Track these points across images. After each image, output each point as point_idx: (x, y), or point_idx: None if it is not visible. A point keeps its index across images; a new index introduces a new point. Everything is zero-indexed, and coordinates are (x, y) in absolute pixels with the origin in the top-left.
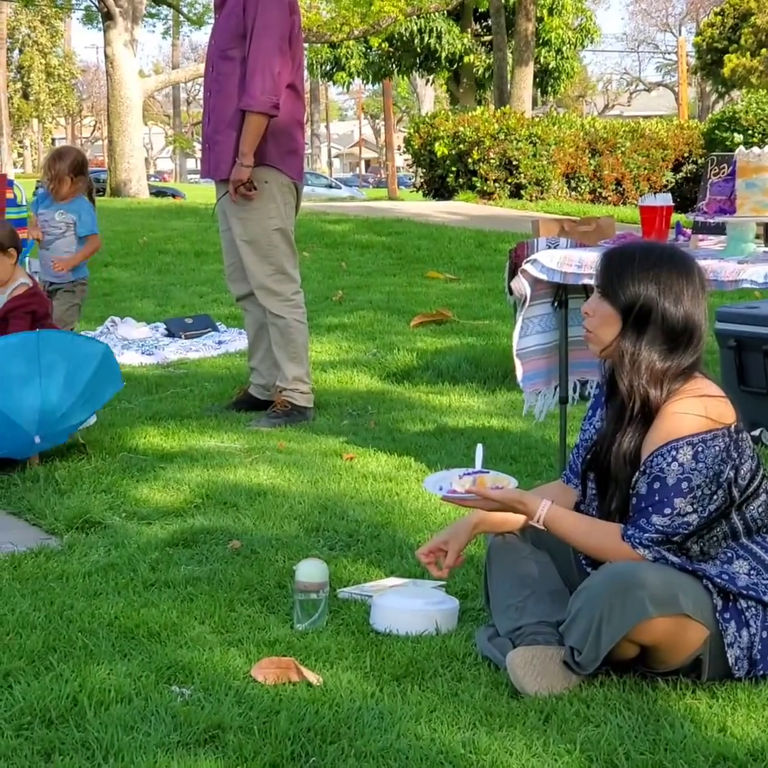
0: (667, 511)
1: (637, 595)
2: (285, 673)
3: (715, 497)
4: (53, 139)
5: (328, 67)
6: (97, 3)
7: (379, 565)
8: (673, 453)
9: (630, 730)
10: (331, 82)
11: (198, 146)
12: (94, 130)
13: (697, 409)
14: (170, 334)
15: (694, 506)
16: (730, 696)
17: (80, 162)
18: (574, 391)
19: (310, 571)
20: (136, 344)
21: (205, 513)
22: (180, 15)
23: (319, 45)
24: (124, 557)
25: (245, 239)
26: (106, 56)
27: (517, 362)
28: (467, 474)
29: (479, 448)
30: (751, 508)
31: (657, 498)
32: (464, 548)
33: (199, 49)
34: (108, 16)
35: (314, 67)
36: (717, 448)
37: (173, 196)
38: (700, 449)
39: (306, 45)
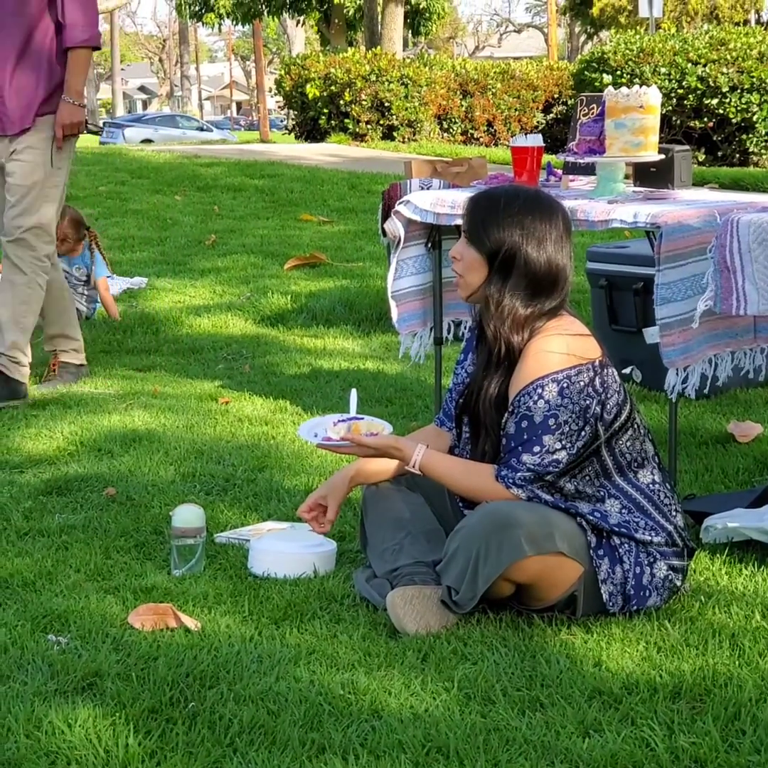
0: (537, 449)
1: (513, 535)
2: (163, 620)
3: (582, 433)
4: None
5: (197, 8)
6: None
7: (256, 509)
8: (539, 391)
9: (507, 666)
10: (200, 24)
11: None
12: None
13: (559, 346)
14: None
15: (563, 442)
16: (605, 631)
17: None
18: (448, 332)
19: (187, 516)
20: None
21: (79, 460)
22: None
23: None
24: None
25: (24, 184)
26: None
27: (393, 304)
28: (342, 421)
29: (353, 393)
30: (620, 442)
31: (526, 437)
32: (343, 501)
33: None
34: None
35: (183, 7)
36: (582, 383)
37: None
38: (565, 385)
39: None
